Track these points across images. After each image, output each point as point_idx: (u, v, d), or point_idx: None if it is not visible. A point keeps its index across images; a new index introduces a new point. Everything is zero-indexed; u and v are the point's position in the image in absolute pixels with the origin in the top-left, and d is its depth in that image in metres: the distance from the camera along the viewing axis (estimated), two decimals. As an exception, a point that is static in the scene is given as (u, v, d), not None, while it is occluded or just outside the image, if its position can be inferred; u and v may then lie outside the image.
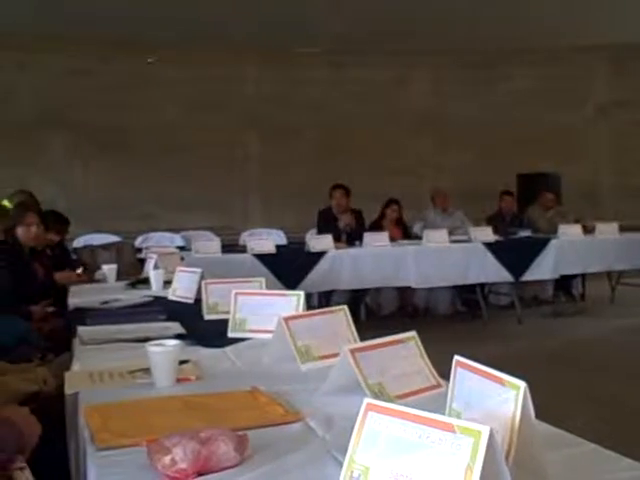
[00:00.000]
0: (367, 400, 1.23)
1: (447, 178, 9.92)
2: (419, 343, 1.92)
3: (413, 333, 1.93)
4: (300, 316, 2.30)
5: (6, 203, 5.07)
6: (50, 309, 4.27)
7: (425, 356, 1.92)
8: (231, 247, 7.38)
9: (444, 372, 1.92)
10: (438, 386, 1.87)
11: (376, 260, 7.04)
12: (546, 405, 1.27)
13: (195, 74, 9.91)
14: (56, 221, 5.39)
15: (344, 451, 1.39)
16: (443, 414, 1.18)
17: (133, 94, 9.64)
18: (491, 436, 1.04)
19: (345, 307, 2.33)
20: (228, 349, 2.48)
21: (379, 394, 1.74)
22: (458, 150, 10.70)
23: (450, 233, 7.44)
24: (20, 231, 4.65)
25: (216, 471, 1.35)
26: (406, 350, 1.88)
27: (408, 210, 8.42)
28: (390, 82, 10.70)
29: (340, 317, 2.32)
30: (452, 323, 7.45)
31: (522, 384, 1.25)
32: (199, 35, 9.20)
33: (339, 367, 1.81)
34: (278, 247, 7.17)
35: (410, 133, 10.74)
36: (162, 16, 8.41)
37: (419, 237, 7.68)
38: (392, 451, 1.15)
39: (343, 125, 10.38)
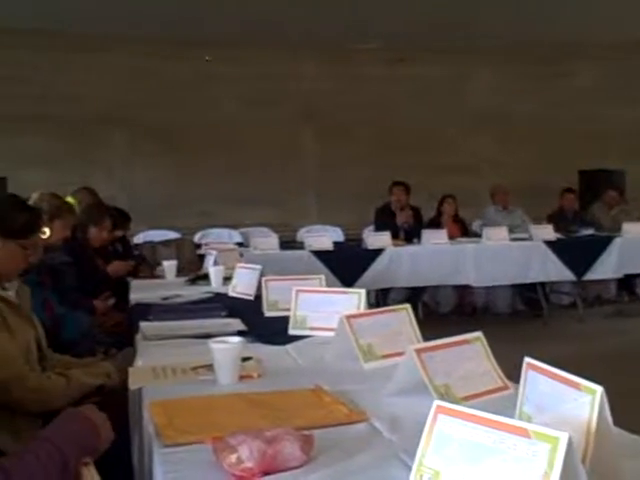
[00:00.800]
0: (437, 402, 1.20)
1: (507, 175, 9.75)
2: (485, 344, 1.88)
3: (479, 334, 1.89)
4: (362, 314, 2.28)
5: (70, 200, 5.16)
6: (111, 301, 4.33)
7: (491, 357, 1.88)
8: (288, 243, 7.41)
9: (505, 372, 1.89)
10: (505, 388, 1.83)
11: (434, 258, 6.97)
12: (613, 409, 1.22)
13: (253, 72, 9.95)
14: (119, 217, 5.48)
15: (412, 454, 1.37)
16: (511, 417, 1.15)
17: (192, 92, 9.74)
18: (569, 443, 1.00)
19: (408, 306, 2.31)
20: (289, 346, 2.48)
21: (445, 395, 1.70)
22: (518, 147, 10.52)
23: (510, 231, 7.33)
24: (93, 231, 4.77)
25: (282, 471, 1.34)
26: (472, 351, 1.84)
27: (466, 208, 8.32)
28: (449, 79, 10.58)
29: (403, 316, 2.29)
30: (512, 322, 7.33)
31: (599, 388, 1.20)
32: (257, 33, 9.24)
33: (404, 367, 1.78)
34: (335, 244, 7.16)
35: (469, 130, 10.60)
36: (220, 14, 8.47)
37: (478, 235, 7.58)
38: (464, 456, 1.12)
39: (400, 122, 10.30)
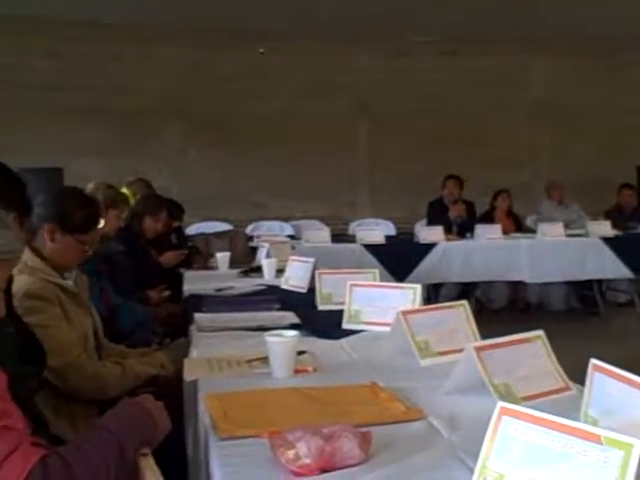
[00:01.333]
0: (501, 404, 1.16)
1: (563, 169, 9.55)
2: (546, 342, 1.84)
3: (540, 332, 1.85)
4: (419, 310, 2.25)
5: (125, 191, 5.23)
6: (165, 293, 4.37)
7: (553, 356, 1.83)
8: (340, 237, 7.39)
9: (564, 371, 1.84)
10: (567, 389, 1.79)
11: (488, 253, 6.88)
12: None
13: (305, 64, 9.93)
14: (174, 209, 5.53)
15: (472, 455, 1.34)
16: (575, 420, 1.11)
17: (245, 84, 9.76)
18: (644, 450, 0.96)
19: (465, 302, 2.27)
20: (344, 341, 2.46)
21: (505, 395, 1.67)
22: (575, 141, 10.30)
23: (566, 227, 7.19)
24: (148, 222, 4.83)
25: (339, 468, 1.32)
26: (533, 349, 1.80)
27: (521, 202, 8.19)
28: (505, 70, 10.39)
29: (459, 312, 2.25)
30: (566, 320, 7.18)
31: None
32: (309, 25, 9.21)
33: (462, 365, 1.75)
34: (387, 238, 7.12)
35: (525, 123, 10.42)
36: (273, 6, 8.47)
37: (533, 230, 7.46)
38: (530, 459, 1.08)
39: (456, 114, 10.16)
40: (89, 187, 4.14)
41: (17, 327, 1.92)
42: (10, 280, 1.79)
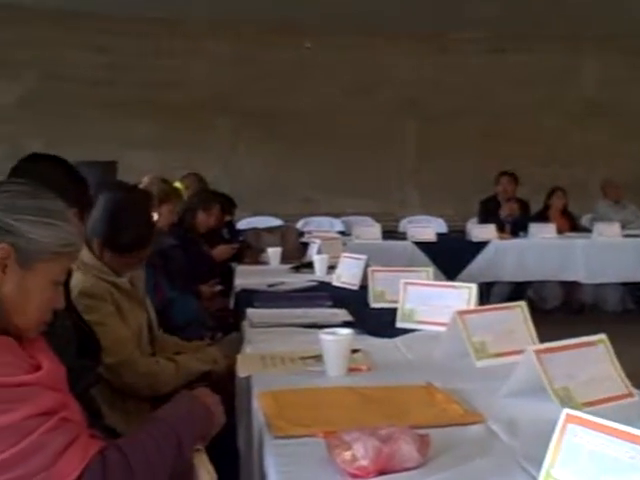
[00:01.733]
0: (567, 411, 1.13)
1: (619, 168, 9.34)
2: (609, 346, 1.79)
3: (603, 336, 1.80)
4: (475, 310, 2.21)
5: (178, 185, 5.26)
6: (217, 288, 4.39)
7: (616, 361, 1.78)
8: (390, 234, 7.34)
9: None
10: (629, 395, 1.74)
11: (542, 252, 6.78)
12: None
13: (354, 59, 9.88)
14: (226, 203, 5.56)
15: (534, 462, 1.31)
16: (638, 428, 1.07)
17: (292, 79, 9.76)
18: None
19: (523, 303, 2.22)
20: (398, 340, 2.43)
21: (565, 400, 1.63)
22: (632, 139, 10.06)
23: (622, 227, 7.04)
24: (201, 216, 4.86)
25: (397, 471, 1.29)
26: (595, 354, 1.75)
27: (575, 201, 8.03)
28: (555, 68, 10.19)
29: (517, 313, 2.21)
30: (623, 322, 7.01)
31: None
32: (356, 20, 9.14)
33: (521, 368, 1.71)
34: (438, 235, 7.06)
35: (580, 120, 10.21)
36: (321, 1, 8.44)
37: (588, 230, 7.32)
38: (596, 469, 1.05)
39: (504, 112, 10.01)
40: (144, 181, 4.18)
41: (74, 322, 1.94)
42: (69, 274, 1.81)
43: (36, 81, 8.90)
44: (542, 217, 7.55)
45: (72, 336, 1.83)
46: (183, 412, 1.50)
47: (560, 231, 7.12)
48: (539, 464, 1.15)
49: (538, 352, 1.66)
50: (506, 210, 7.40)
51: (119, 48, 9.13)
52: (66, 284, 1.98)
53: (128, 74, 9.17)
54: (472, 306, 2.43)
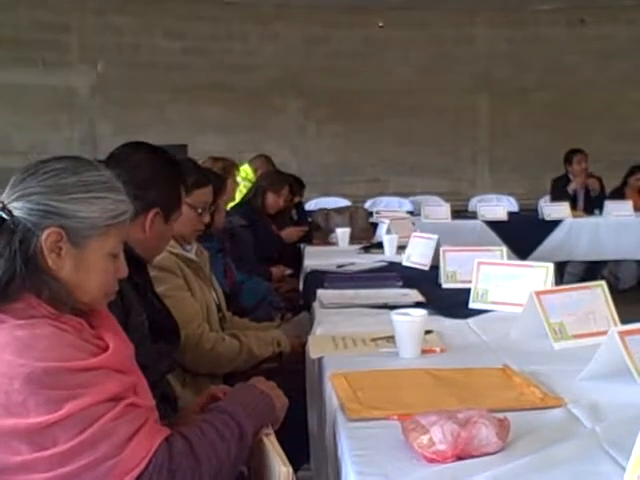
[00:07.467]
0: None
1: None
2: (697, 328, 1.70)
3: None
4: (553, 291, 2.13)
5: (247, 167, 5.29)
6: (288, 271, 4.39)
7: None
8: (460, 213, 7.24)
9: None
10: None
11: (617, 230, 6.58)
12: None
13: (426, 36, 9.75)
14: (295, 184, 5.56)
15: (619, 447, 1.26)
16: None
17: (364, 59, 9.69)
18: None
19: (603, 283, 2.14)
20: (471, 321, 2.37)
21: (652, 383, 1.55)
22: None
23: None
24: (270, 197, 4.87)
25: (475, 456, 1.25)
26: (684, 336, 1.67)
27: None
28: (636, 39, 9.85)
29: (597, 293, 2.12)
30: (702, 302, 6.79)
31: None
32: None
33: (604, 350, 1.64)
34: (509, 214, 6.92)
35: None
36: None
37: (666, 208, 7.05)
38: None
39: (582, 86, 9.73)
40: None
41: (149, 307, 1.93)
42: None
43: (111, 67, 9.06)
44: (618, 194, 7.33)
45: (147, 332, 1.84)
46: (243, 402, 1.49)
47: (637, 209, 6.89)
48: (626, 450, 1.09)
49: (622, 333, 1.60)
50: (577, 184, 7.22)
51: (192, 33, 9.22)
52: (142, 269, 1.99)
53: (201, 58, 9.26)
54: (549, 286, 2.36)
